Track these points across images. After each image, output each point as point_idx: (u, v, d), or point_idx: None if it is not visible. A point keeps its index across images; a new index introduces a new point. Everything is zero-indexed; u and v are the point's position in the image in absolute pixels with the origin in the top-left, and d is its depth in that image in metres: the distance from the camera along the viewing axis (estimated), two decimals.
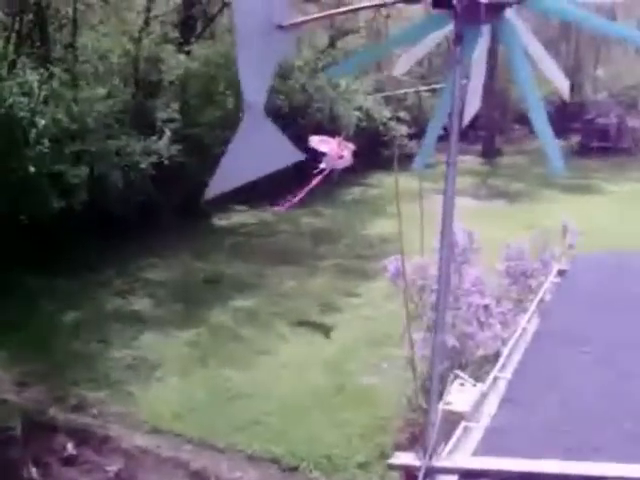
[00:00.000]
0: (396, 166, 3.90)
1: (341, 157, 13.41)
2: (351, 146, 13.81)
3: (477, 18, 3.68)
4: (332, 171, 13.64)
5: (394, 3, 3.91)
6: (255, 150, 3.68)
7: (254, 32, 3.49)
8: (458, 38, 3.74)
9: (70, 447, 11.69)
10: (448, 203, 3.82)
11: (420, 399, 10.69)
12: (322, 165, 13.43)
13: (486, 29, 4.07)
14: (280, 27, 3.61)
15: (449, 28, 3.88)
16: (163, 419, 12.46)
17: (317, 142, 13.56)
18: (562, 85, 4.27)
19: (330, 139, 13.56)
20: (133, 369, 14.15)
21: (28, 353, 14.67)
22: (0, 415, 12.56)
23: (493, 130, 41.76)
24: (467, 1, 3.63)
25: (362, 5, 4.16)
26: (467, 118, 4.65)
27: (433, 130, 4.28)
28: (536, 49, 4.04)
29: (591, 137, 41.65)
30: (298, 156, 3.91)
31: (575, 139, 43.23)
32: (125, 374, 13.96)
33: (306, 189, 14.06)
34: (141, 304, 17.55)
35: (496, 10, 3.79)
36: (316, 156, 13.69)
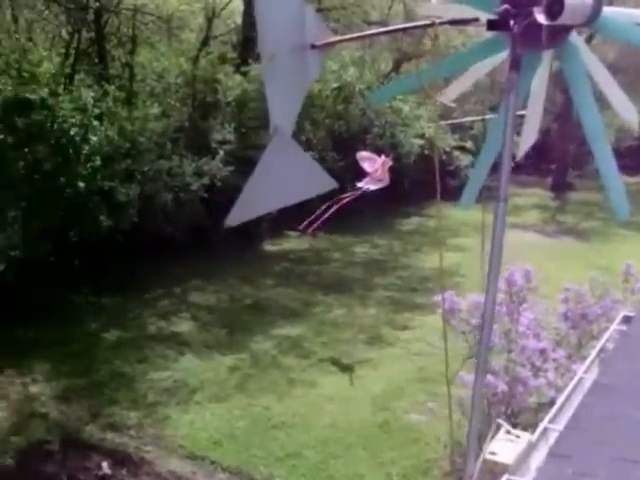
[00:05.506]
0: (439, 197, 3.55)
1: (380, 180, 13.11)
2: (389, 162, 13.48)
3: (537, 42, 3.31)
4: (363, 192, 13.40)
5: (443, 24, 3.57)
6: (282, 177, 3.40)
7: (283, 52, 3.21)
8: (514, 64, 3.39)
9: (105, 466, 11.63)
10: (497, 241, 3.50)
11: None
12: (360, 184, 13.18)
13: (547, 54, 3.71)
14: (313, 46, 3.33)
15: (506, 53, 3.52)
16: (200, 445, 12.25)
17: (364, 158, 13.30)
18: (631, 117, 3.84)
19: (377, 157, 13.28)
20: (172, 391, 14.01)
21: (70, 368, 14.72)
22: (40, 429, 12.61)
23: (565, 163, 39.93)
24: (526, 23, 3.25)
25: (408, 25, 3.83)
26: (521, 152, 4.26)
27: (482, 165, 3.90)
28: (603, 77, 3.63)
29: None
30: (330, 184, 3.62)
31: None
32: (164, 396, 13.83)
33: (329, 211, 13.71)
34: (184, 326, 17.41)
35: (560, 34, 3.42)
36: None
